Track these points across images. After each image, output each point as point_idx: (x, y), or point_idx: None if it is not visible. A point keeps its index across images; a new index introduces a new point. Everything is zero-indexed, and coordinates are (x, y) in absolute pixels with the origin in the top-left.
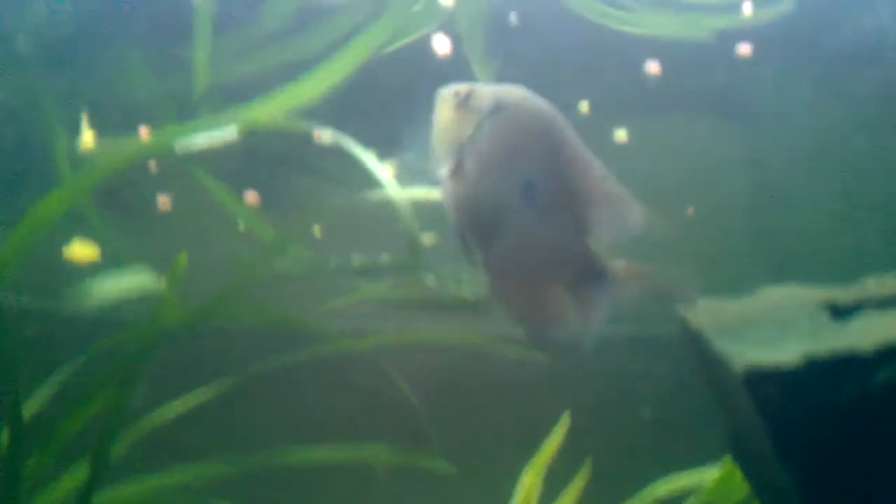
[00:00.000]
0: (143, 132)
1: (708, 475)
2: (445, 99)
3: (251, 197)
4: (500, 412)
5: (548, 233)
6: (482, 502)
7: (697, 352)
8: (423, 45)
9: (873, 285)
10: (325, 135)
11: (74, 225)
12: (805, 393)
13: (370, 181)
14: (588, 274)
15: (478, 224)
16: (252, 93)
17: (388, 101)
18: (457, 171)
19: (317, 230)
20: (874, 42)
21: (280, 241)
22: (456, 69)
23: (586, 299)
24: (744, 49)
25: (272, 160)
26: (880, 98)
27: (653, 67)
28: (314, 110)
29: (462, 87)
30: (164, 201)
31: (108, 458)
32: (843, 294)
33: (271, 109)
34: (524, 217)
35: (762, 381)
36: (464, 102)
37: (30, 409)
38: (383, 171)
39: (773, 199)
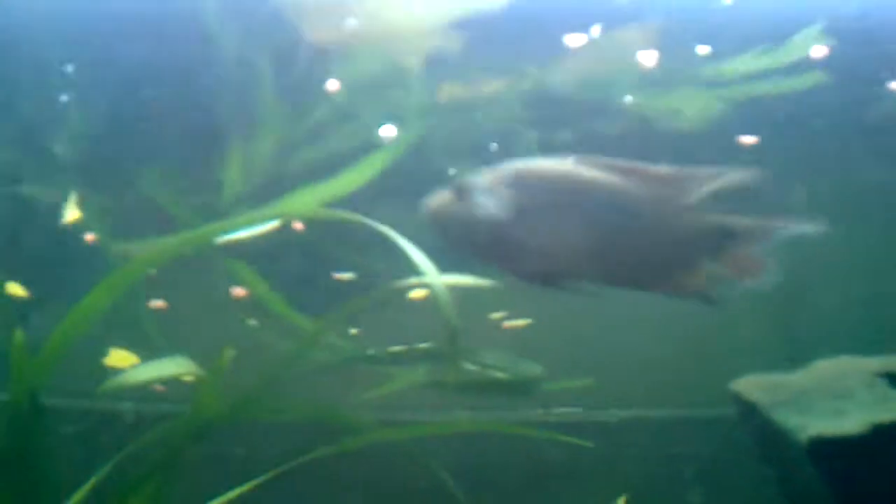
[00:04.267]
0: None
1: None
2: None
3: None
4: (548, 499)
5: (666, 229)
6: None
7: (752, 427)
8: None
9: None
10: None
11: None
12: (872, 462)
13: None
14: (723, 238)
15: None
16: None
17: None
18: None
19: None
20: None
21: (317, 331)
22: None
23: (732, 258)
24: None
25: (309, 254)
26: None
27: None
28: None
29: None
30: (159, 305)
31: None
32: None
33: (307, 203)
34: (634, 233)
35: (828, 452)
36: (462, 193)
37: None
38: (422, 257)
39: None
